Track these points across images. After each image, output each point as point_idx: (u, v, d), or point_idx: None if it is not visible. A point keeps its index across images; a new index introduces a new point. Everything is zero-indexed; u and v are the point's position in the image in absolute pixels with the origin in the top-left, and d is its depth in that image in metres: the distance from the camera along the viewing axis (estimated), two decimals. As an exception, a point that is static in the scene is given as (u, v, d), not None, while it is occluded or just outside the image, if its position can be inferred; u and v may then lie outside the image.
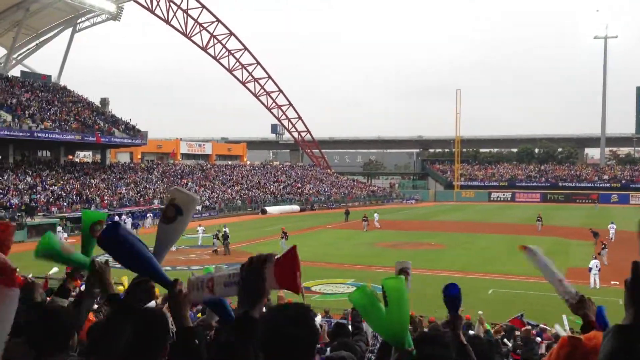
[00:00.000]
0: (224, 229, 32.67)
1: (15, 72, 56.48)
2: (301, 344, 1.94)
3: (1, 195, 40.61)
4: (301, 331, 1.94)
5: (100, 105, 60.40)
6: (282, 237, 32.44)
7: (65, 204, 43.37)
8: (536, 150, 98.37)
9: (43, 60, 62.07)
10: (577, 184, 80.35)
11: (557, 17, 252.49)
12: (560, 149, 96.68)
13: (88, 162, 59.96)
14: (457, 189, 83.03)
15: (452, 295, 3.55)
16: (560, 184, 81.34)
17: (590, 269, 23.18)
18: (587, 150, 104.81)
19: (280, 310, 2.02)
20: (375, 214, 47.84)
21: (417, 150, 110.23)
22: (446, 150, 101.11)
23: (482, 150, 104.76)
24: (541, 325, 13.44)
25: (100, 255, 3.29)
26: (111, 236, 2.41)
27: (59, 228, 35.65)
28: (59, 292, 3.40)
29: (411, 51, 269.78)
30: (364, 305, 2.51)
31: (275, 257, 2.08)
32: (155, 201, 51.46)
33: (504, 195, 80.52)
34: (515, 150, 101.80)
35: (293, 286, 2.02)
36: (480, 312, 12.21)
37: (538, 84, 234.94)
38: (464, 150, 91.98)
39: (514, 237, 38.63)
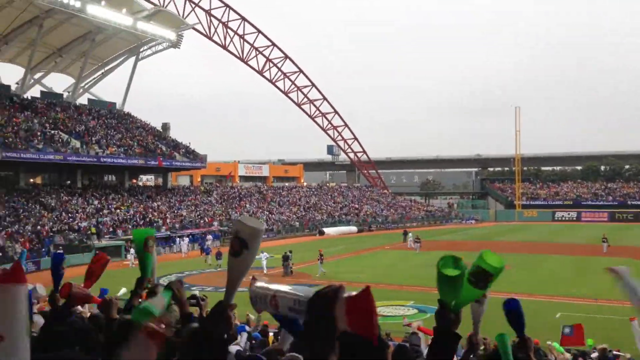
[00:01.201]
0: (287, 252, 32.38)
1: (82, 100, 59.07)
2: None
3: (71, 219, 42.22)
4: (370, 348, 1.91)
5: (161, 130, 62.33)
6: (319, 260, 31.95)
7: (130, 226, 44.70)
8: (602, 168, 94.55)
9: (108, 88, 64.73)
10: (648, 202, 76.80)
11: (619, 28, 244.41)
12: (627, 166, 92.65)
13: (151, 186, 61.75)
14: (519, 209, 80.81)
15: (513, 309, 3.37)
16: (629, 202, 77.94)
17: None
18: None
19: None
20: (410, 234, 47.27)
21: (476, 169, 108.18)
22: (506, 168, 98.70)
23: (544, 168, 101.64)
24: (614, 352, 12.77)
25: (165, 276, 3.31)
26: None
27: (132, 250, 36.75)
28: (125, 310, 3.50)
29: (468, 68, 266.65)
30: (453, 278, 2.31)
31: (347, 295, 1.92)
32: (215, 223, 52.38)
33: (569, 214, 77.76)
34: (579, 167, 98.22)
35: (369, 330, 1.86)
36: (549, 342, 11.69)
37: (602, 99, 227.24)
38: (525, 168, 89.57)
39: (581, 258, 37.18)
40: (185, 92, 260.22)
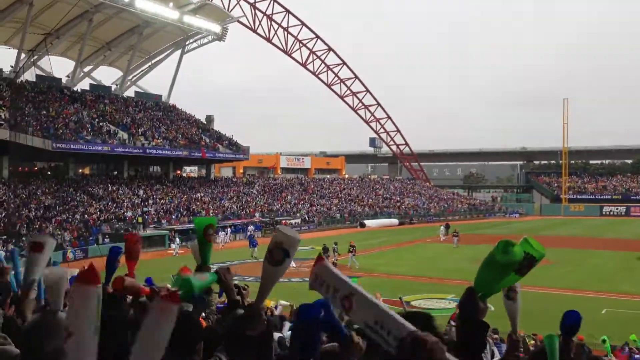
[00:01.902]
0: (333, 245, 32.19)
1: (129, 92, 60.46)
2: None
3: (117, 208, 43.42)
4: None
5: (205, 122, 63.27)
6: (350, 252, 31.54)
7: (174, 216, 45.64)
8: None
9: (155, 81, 65.93)
10: (702, 197, 73.94)
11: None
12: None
13: (194, 177, 62.82)
14: (565, 203, 78.87)
15: (574, 324, 3.32)
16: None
17: None
18: None
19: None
20: (442, 227, 47.01)
21: (521, 162, 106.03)
22: (552, 162, 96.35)
23: (592, 161, 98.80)
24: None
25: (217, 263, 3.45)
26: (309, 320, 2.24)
27: (177, 240, 37.47)
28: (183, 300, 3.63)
29: (511, 58, 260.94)
30: (506, 263, 2.23)
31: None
32: (257, 214, 52.99)
33: (617, 209, 75.53)
34: (629, 161, 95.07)
35: None
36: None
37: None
38: (572, 162, 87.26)
39: (629, 253, 36.13)
40: (229, 84, 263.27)
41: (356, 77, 78.51)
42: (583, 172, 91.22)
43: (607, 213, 74.99)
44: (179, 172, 61.05)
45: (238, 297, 3.51)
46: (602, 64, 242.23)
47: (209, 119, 64.83)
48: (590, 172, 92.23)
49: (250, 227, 47.40)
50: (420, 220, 65.41)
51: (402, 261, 34.05)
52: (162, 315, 1.81)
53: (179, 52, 62.09)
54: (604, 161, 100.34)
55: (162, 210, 46.36)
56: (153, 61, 62.17)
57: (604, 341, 12.68)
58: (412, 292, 23.28)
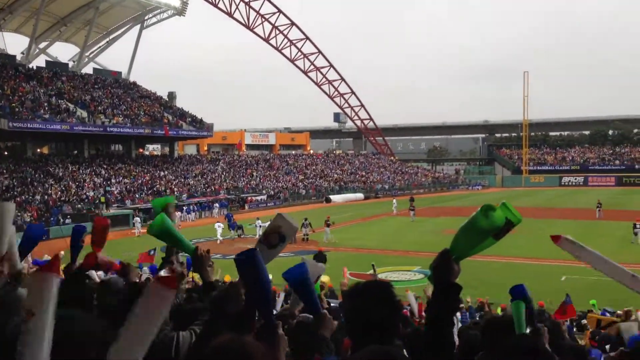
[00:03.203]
0: (303, 220, 31.19)
1: (87, 69, 58.92)
2: (385, 321, 1.94)
3: (79, 188, 42.56)
4: (383, 306, 1.94)
5: (167, 99, 62.22)
6: (327, 225, 31.87)
7: (137, 195, 45.01)
8: (610, 132, 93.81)
9: (113, 57, 64.42)
10: (655, 166, 76.46)
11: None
12: (636, 130, 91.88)
13: (157, 155, 61.97)
14: (526, 174, 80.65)
15: (518, 295, 3.34)
16: (636, 166, 77.54)
17: None
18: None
19: (361, 289, 2.03)
20: (394, 201, 47.36)
21: (483, 135, 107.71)
22: (513, 134, 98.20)
23: (551, 133, 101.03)
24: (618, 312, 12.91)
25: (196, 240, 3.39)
26: (249, 260, 2.50)
27: (137, 219, 37.00)
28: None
29: (475, 33, 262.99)
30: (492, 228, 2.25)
31: None
32: (222, 192, 52.69)
33: (575, 179, 77.61)
34: (587, 132, 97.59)
35: None
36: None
37: (609, 63, 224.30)
38: (532, 134, 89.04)
39: (585, 222, 37.31)
40: (190, 61, 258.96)
41: (319, 52, 78.08)
42: (543, 144, 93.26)
43: (566, 183, 76.98)
44: (141, 150, 60.10)
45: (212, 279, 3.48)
46: (561, 38, 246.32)
47: (171, 95, 63.80)
48: (550, 144, 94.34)
49: (216, 205, 47.15)
50: (386, 194, 66.05)
51: (368, 235, 34.40)
52: (156, 299, 1.80)
53: (138, 27, 60.69)
54: (562, 133, 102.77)
55: (125, 190, 45.64)
56: (111, 37, 60.68)
57: (593, 305, 13.30)
58: (378, 265, 23.54)
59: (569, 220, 38.88)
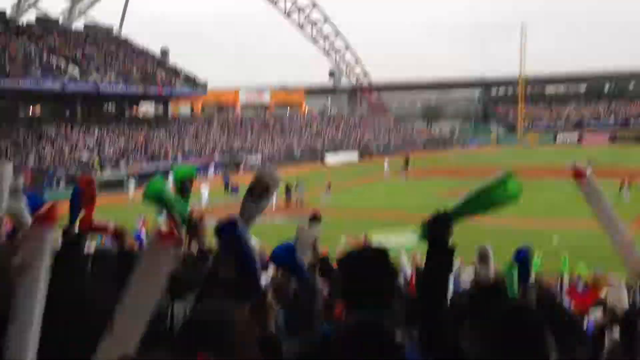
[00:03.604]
0: (294, 183, 31.38)
1: (78, 24, 57.51)
2: (383, 285, 1.97)
3: (73, 151, 42.25)
4: (378, 272, 1.97)
5: (160, 56, 60.96)
6: (327, 189, 31.94)
7: (131, 158, 44.61)
8: (607, 87, 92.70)
9: (105, 11, 62.78)
10: (651, 123, 76.24)
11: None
12: (633, 85, 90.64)
13: (151, 116, 61.21)
14: (521, 132, 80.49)
15: (523, 258, 3.40)
16: (632, 122, 77.23)
17: None
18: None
19: (355, 256, 2.06)
20: (386, 162, 46.85)
21: (479, 91, 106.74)
22: (509, 90, 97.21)
23: (548, 88, 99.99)
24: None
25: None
26: (230, 231, 2.49)
27: (132, 181, 36.79)
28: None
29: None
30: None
31: None
32: (216, 153, 52.34)
33: (570, 137, 77.44)
34: (583, 87, 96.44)
35: None
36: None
37: (608, 15, 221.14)
38: (529, 90, 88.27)
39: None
40: (183, 16, 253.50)
41: (314, 4, 76.44)
42: (539, 100, 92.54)
43: (561, 142, 76.88)
44: (136, 108, 59.27)
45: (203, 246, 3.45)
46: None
47: (164, 51, 62.49)
48: (547, 100, 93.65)
49: (211, 168, 47.00)
50: (381, 153, 65.94)
51: (364, 197, 34.51)
52: (157, 256, 1.77)
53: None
54: (558, 88, 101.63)
55: (119, 152, 45.26)
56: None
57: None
58: (372, 227, 23.70)
59: (562, 181, 38.97)
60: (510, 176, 2.25)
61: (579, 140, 76.25)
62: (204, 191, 31.23)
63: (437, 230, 2.20)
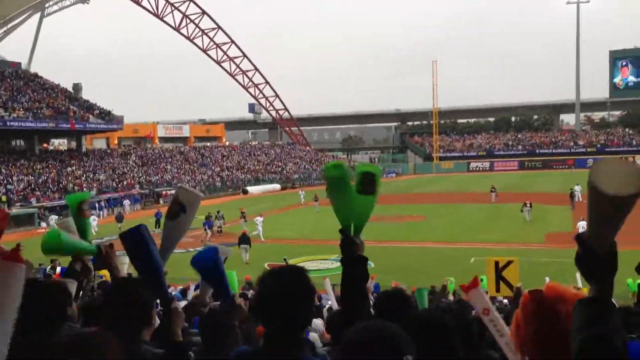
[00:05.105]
0: (216, 213, 32.22)
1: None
2: (298, 304, 2.00)
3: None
4: (297, 290, 2.00)
5: (72, 91, 59.29)
6: (241, 218, 31.92)
7: (42, 193, 42.78)
8: (513, 119, 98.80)
9: (12, 48, 60.76)
10: (554, 150, 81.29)
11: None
12: (536, 117, 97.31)
13: (64, 150, 59.04)
14: (437, 161, 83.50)
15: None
16: (537, 151, 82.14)
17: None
18: (562, 117, 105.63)
19: (274, 273, 2.09)
20: (301, 192, 48.26)
21: (396, 123, 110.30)
22: (424, 122, 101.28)
23: (459, 121, 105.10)
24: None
25: (99, 240, 3.35)
26: (134, 237, 2.52)
27: (53, 217, 35.23)
28: (67, 274, 3.46)
29: (385, 24, 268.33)
30: (336, 178, 2.50)
31: None
32: (137, 186, 51.03)
33: (482, 164, 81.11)
34: (492, 119, 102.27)
35: None
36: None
37: (514, 52, 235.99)
38: (442, 121, 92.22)
39: (493, 206, 39.26)
40: (97, 52, 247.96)
41: (232, 41, 76.99)
42: (452, 131, 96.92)
43: (474, 169, 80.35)
44: (45, 145, 57.02)
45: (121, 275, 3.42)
46: (465, 28, 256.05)
47: (77, 87, 60.82)
48: (459, 131, 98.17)
49: (126, 202, 45.59)
50: (303, 184, 66.37)
51: (286, 225, 34.55)
52: (4, 276, 1.77)
53: (38, 15, 57.47)
54: (470, 120, 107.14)
55: (28, 188, 43.23)
56: (9, 25, 57.13)
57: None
58: (296, 255, 23.76)
59: (473, 205, 40.67)
60: (335, 163, 2.56)
61: (491, 167, 79.93)
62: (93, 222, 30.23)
63: (345, 247, 2.45)
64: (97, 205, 40.81)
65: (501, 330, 1.98)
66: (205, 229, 29.77)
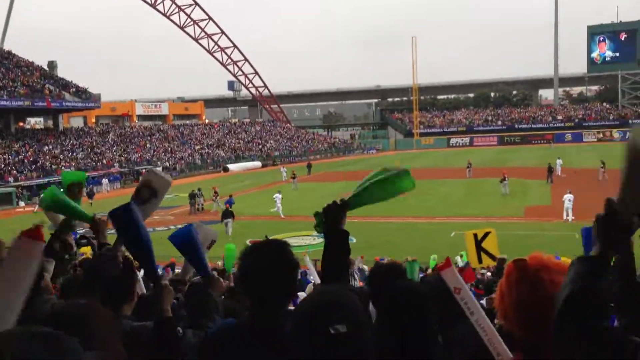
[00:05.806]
0: (197, 191, 32.48)
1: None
2: (280, 278, 2.02)
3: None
4: (278, 265, 2.01)
5: (48, 69, 58.16)
6: (213, 198, 31.88)
7: (19, 172, 42.19)
8: (492, 95, 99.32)
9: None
10: (533, 126, 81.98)
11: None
12: (515, 92, 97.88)
13: (41, 129, 58.11)
14: (417, 137, 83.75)
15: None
16: (516, 126, 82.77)
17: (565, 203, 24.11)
18: (541, 92, 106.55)
19: (256, 247, 2.10)
20: (283, 170, 47.71)
21: (376, 100, 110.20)
22: (404, 98, 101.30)
23: (439, 97, 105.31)
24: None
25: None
26: (124, 215, 2.52)
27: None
28: (46, 252, 3.43)
29: (366, 0, 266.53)
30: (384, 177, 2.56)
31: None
32: (116, 165, 50.55)
33: (462, 140, 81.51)
34: (472, 95, 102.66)
35: None
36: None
37: (493, 28, 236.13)
38: (422, 98, 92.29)
39: (474, 180, 39.61)
40: (75, 30, 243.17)
41: (210, 18, 75.96)
42: (432, 107, 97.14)
43: (454, 144, 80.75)
44: (21, 124, 56.02)
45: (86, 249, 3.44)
46: (448, 6, 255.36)
47: (52, 64, 59.65)
48: (439, 107, 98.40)
49: (104, 180, 45.17)
50: (283, 161, 66.28)
51: (267, 203, 34.52)
52: (23, 253, 1.78)
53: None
54: (449, 96, 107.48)
55: (5, 166, 42.57)
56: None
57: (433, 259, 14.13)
58: (279, 232, 23.82)
59: (453, 180, 41.01)
60: (407, 172, 2.62)
61: (471, 143, 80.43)
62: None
63: (330, 218, 2.44)
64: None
65: (472, 309, 2.03)
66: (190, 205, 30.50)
